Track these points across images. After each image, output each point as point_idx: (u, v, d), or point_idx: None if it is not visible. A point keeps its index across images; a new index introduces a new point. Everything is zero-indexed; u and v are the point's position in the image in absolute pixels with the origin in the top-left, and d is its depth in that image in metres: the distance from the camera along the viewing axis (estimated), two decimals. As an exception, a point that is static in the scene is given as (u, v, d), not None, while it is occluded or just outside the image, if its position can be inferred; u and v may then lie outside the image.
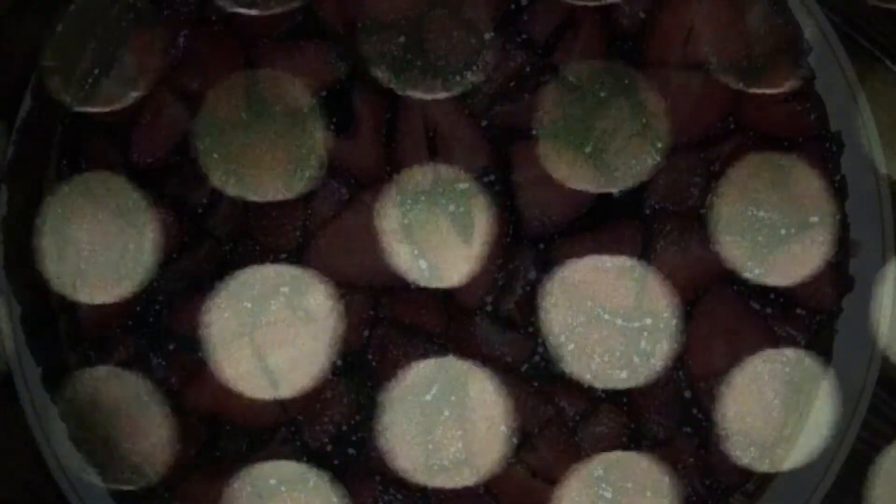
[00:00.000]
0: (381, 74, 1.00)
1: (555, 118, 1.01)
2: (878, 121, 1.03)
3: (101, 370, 0.99)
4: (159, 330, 1.00)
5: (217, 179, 1.00)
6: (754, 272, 1.00)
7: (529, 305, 0.99)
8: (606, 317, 1.00)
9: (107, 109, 1.01)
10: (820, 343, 1.01)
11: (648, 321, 1.00)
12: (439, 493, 0.98)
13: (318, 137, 1.00)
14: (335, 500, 0.99)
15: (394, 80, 1.01)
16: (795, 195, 1.00)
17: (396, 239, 0.99)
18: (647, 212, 1.00)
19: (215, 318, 0.99)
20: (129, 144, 1.01)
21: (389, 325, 0.99)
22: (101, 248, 0.99)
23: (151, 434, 0.98)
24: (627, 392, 0.99)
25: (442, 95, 1.00)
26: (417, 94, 1.00)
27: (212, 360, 0.98)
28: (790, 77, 1.01)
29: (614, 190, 1.00)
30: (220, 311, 0.99)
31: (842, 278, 1.01)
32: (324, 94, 1.01)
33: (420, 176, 1.00)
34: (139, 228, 0.99)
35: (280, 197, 0.99)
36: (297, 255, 0.99)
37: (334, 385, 0.99)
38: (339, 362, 1.00)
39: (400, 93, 1.00)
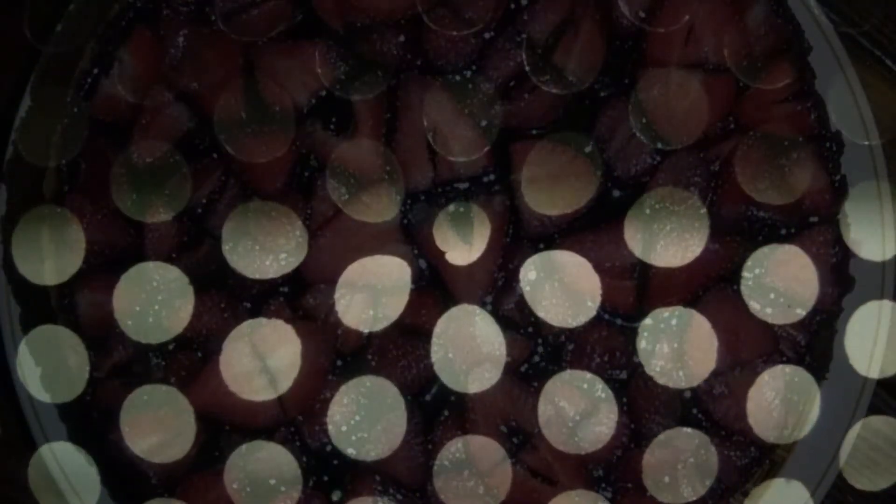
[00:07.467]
0: (381, 74, 1.00)
1: (555, 118, 1.01)
2: (878, 121, 1.03)
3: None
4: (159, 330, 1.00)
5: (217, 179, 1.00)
6: (754, 272, 1.00)
7: (529, 305, 0.99)
8: (606, 317, 1.00)
9: (107, 109, 1.01)
10: (820, 343, 1.01)
11: (648, 321, 1.00)
12: (439, 492, 0.98)
13: (319, 137, 1.00)
14: (335, 500, 0.99)
15: (394, 80, 1.01)
16: (795, 195, 1.00)
17: (396, 239, 0.99)
18: (647, 212, 1.00)
19: (215, 318, 0.99)
20: (129, 144, 1.01)
21: (389, 325, 0.99)
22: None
23: (151, 434, 0.98)
24: (627, 392, 0.99)
25: (442, 95, 1.00)
26: (417, 94, 1.00)
27: (212, 360, 0.98)
28: (790, 77, 1.01)
29: (614, 190, 1.01)
30: (220, 311, 0.99)
31: (842, 278, 1.00)
32: (324, 94, 1.01)
33: (420, 176, 1.00)
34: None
35: (280, 197, 1.00)
36: (297, 255, 0.99)
37: (334, 385, 0.99)
38: (339, 362, 1.00)
39: (400, 93, 1.00)
